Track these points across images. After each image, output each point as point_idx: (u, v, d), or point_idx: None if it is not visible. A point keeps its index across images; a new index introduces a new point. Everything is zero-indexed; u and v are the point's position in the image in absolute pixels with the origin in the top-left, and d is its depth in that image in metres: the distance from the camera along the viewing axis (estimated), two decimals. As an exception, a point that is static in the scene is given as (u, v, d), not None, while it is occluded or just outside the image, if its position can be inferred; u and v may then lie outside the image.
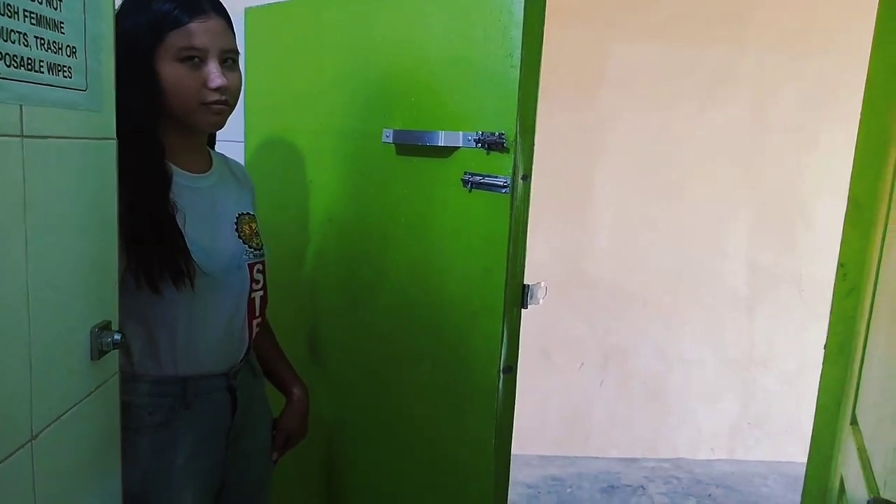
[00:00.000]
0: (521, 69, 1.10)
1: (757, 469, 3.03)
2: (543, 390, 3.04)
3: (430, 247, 1.30)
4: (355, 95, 1.41)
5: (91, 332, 0.83)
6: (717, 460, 3.10)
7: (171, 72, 1.01)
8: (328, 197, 1.51)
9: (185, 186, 1.07)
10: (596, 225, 2.95)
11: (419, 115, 1.29)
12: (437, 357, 1.31)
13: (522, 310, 1.23)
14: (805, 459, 1.60)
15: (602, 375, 3.09)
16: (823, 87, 2.83)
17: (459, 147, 1.20)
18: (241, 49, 1.72)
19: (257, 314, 1.19)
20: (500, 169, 1.15)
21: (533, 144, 1.16)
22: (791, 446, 3.00)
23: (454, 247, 1.26)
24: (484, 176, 1.17)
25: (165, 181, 1.02)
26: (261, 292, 1.19)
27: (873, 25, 1.57)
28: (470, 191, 1.20)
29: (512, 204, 1.14)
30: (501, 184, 1.14)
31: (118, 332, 0.88)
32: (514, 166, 1.13)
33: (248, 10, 1.70)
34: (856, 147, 1.53)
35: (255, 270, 1.16)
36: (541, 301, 1.25)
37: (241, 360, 1.17)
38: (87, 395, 0.83)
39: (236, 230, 1.15)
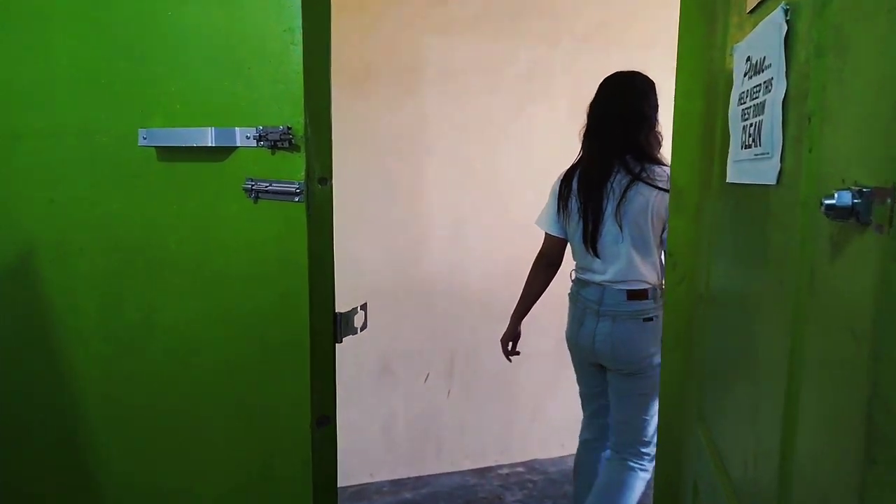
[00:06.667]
0: (304, 47, 0.88)
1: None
2: (388, 409, 2.84)
3: (212, 274, 1.02)
4: (100, 86, 1.09)
5: None
6: (569, 455, 3.08)
7: None
8: (71, 218, 1.14)
9: None
10: (427, 226, 2.81)
11: (183, 108, 1.00)
12: (234, 411, 1.04)
13: (338, 343, 1.00)
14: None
15: (449, 385, 2.96)
16: (631, 80, 2.92)
17: (237, 147, 0.95)
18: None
19: None
20: (290, 172, 0.91)
21: (330, 139, 0.94)
22: (631, 429, 3.09)
23: (243, 272, 0.99)
24: (271, 182, 0.93)
25: None
26: None
27: (669, 19, 1.59)
28: (255, 201, 0.95)
29: (309, 214, 0.91)
30: (294, 190, 0.90)
31: None
32: (308, 168, 0.90)
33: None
34: (672, 136, 1.51)
35: None
36: (359, 330, 1.03)
37: None
38: None
39: None
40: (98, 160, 1.10)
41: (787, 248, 0.77)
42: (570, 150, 2.99)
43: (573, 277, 2.02)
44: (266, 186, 0.92)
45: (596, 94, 1.93)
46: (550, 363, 3.06)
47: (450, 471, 2.91)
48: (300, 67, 0.87)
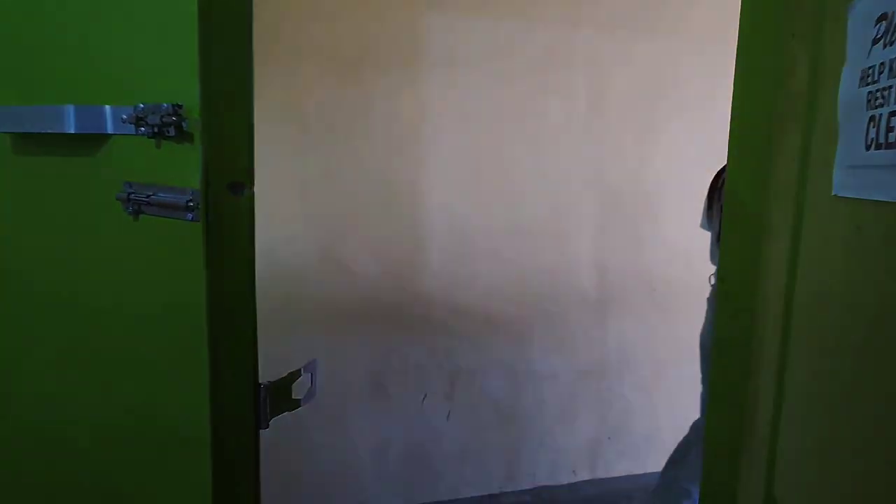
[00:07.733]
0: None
1: (620, 485, 2.87)
2: (381, 433, 2.59)
3: (78, 321, 0.70)
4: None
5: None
6: (580, 482, 2.88)
7: None
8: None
9: None
10: (427, 232, 2.52)
11: (43, 77, 0.68)
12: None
13: (263, 429, 0.68)
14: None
15: (449, 406, 2.70)
16: (656, 72, 2.62)
17: (111, 135, 0.63)
18: None
19: None
20: (180, 175, 0.59)
21: (249, 126, 0.61)
22: (650, 457, 2.87)
23: (119, 322, 0.67)
24: (156, 189, 0.60)
25: None
26: None
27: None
28: (136, 216, 0.63)
29: (209, 239, 0.58)
30: (184, 203, 0.58)
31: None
32: (207, 168, 0.58)
33: None
34: (730, 131, 1.18)
35: None
36: (302, 402, 0.71)
37: None
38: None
39: None
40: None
41: None
42: (589, 148, 2.70)
43: (712, 282, 1.99)
44: (148, 196, 0.60)
45: None
46: (561, 384, 2.84)
47: (449, 499, 2.66)
48: (194, 9, 0.55)
